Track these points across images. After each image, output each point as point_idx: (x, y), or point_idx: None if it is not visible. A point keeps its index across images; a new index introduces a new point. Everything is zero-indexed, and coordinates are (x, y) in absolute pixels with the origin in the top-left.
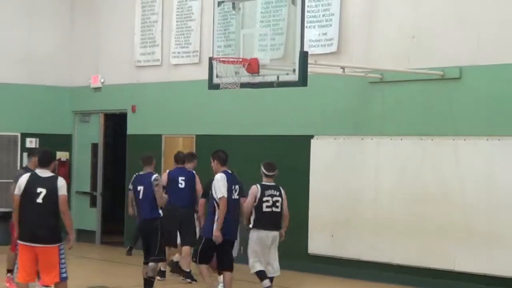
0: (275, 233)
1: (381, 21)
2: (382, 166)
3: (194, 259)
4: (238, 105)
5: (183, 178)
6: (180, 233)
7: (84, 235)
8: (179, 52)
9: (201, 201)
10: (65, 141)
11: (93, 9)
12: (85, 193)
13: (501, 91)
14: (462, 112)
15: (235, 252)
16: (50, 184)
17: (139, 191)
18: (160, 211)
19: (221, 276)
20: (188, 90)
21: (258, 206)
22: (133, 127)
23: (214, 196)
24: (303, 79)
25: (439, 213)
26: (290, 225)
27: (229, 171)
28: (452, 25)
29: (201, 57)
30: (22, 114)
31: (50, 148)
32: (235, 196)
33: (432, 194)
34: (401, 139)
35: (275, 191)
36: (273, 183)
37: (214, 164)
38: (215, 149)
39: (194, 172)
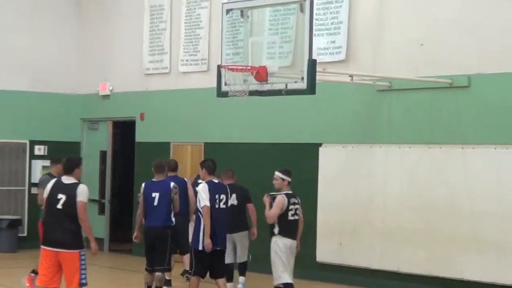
0: (296, 242)
1: (390, 29)
2: (391, 174)
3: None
4: (246, 113)
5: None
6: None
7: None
8: (187, 60)
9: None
10: (73, 149)
11: (102, 17)
12: (93, 200)
13: (510, 100)
14: (471, 120)
15: (228, 259)
16: (70, 191)
17: (154, 198)
18: (173, 220)
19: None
20: (197, 98)
21: (283, 216)
22: (141, 135)
23: (198, 205)
24: (311, 87)
25: (447, 222)
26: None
27: (215, 181)
28: (461, 33)
29: (210, 65)
30: (31, 121)
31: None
32: (221, 205)
33: (441, 202)
34: (409, 147)
35: (296, 199)
36: (291, 192)
37: (202, 172)
38: (224, 157)
39: (186, 179)
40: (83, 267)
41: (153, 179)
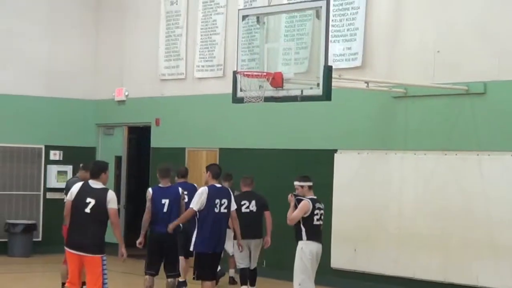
0: (321, 246)
1: (406, 35)
2: (406, 180)
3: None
4: (261, 119)
5: (186, 193)
6: (185, 245)
7: (107, 248)
8: (203, 66)
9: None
10: (88, 154)
11: (118, 23)
12: None
13: None
14: (486, 127)
15: (244, 263)
16: (100, 196)
17: (164, 204)
18: (181, 225)
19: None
20: (212, 103)
21: (308, 220)
22: (156, 140)
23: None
24: (327, 93)
25: (462, 228)
26: None
27: (217, 185)
28: (477, 40)
29: (225, 71)
30: (46, 126)
31: (73, 160)
32: (222, 209)
33: (456, 209)
34: (425, 154)
35: (321, 205)
36: (315, 197)
37: (207, 175)
38: (239, 163)
39: (195, 185)
40: (105, 271)
41: (160, 185)
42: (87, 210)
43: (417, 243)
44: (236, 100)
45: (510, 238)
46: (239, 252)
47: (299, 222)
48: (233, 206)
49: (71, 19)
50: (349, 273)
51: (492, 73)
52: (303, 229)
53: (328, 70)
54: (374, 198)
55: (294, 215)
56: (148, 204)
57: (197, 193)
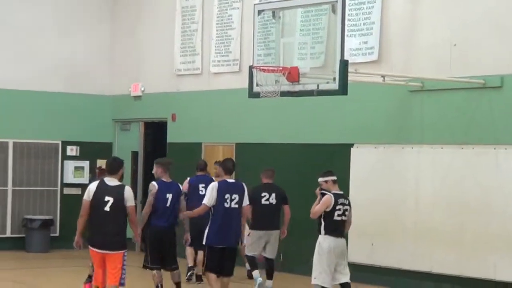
0: (344, 241)
1: (422, 29)
2: (423, 174)
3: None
4: (278, 113)
5: (203, 185)
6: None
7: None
8: (219, 61)
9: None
10: (105, 149)
11: (134, 18)
12: None
13: None
14: (503, 120)
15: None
16: (117, 193)
17: (167, 199)
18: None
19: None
20: (228, 98)
21: (329, 214)
22: (173, 136)
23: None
24: (343, 88)
25: (479, 222)
26: None
27: (229, 180)
28: (494, 34)
29: (241, 66)
30: (63, 122)
31: (90, 156)
32: (232, 204)
33: (473, 203)
34: (442, 148)
35: (345, 200)
36: (341, 192)
37: (219, 170)
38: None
39: (213, 178)
40: (124, 267)
41: (162, 179)
42: (107, 208)
43: (434, 237)
44: (252, 95)
45: None
46: (250, 241)
47: (320, 216)
48: (245, 202)
49: (88, 15)
50: (366, 267)
51: (509, 66)
52: (323, 224)
53: (344, 65)
54: (391, 192)
55: (316, 209)
56: (150, 198)
57: (207, 188)
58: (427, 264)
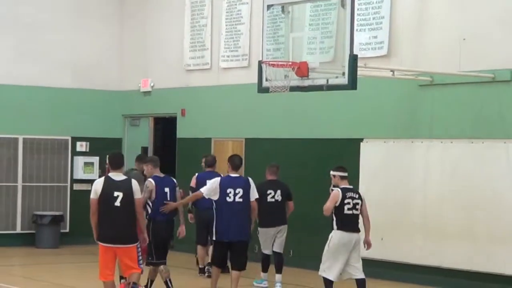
0: (356, 236)
1: (432, 24)
2: (432, 169)
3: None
4: (287, 108)
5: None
6: (204, 234)
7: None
8: (228, 56)
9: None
10: (115, 145)
11: (143, 13)
12: None
13: None
14: None
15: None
16: (126, 188)
17: (166, 193)
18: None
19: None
20: (238, 93)
21: (339, 209)
22: (182, 131)
23: (213, 200)
24: (352, 82)
25: (489, 216)
26: None
27: (233, 175)
28: (503, 28)
29: (251, 61)
30: (73, 118)
31: (100, 152)
32: (237, 199)
33: (483, 197)
34: (451, 142)
35: (355, 194)
36: (351, 186)
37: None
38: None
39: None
40: (140, 256)
41: (156, 174)
42: (117, 203)
43: (443, 231)
44: (262, 89)
45: None
46: (261, 240)
47: (332, 211)
48: (253, 196)
49: (97, 10)
50: (375, 262)
51: None
52: (334, 219)
53: (353, 59)
54: (400, 186)
55: (326, 205)
56: (146, 195)
57: (209, 181)
58: (437, 259)
